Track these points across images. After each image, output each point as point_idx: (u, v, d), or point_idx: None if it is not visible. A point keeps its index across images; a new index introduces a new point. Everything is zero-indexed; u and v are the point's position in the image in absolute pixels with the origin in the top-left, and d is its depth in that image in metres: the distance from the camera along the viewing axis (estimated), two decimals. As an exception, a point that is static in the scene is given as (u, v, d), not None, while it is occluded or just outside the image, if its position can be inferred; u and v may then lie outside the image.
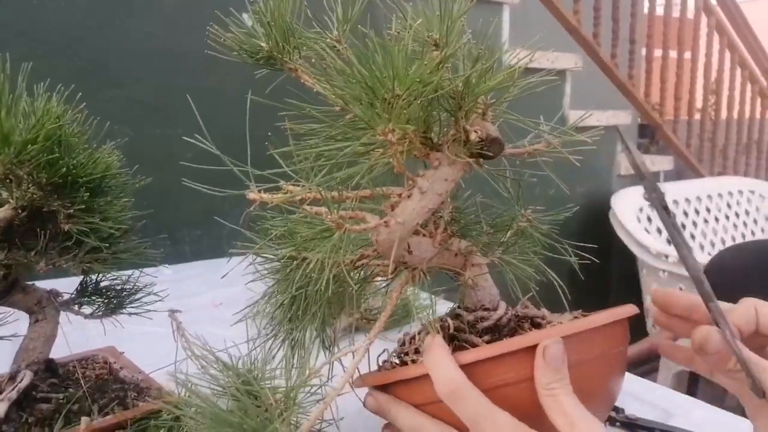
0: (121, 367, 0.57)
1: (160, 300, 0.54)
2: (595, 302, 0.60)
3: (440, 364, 0.40)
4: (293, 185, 0.46)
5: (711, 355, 0.42)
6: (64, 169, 0.41)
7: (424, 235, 0.49)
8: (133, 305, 0.54)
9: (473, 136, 0.43)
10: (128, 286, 0.54)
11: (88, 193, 0.44)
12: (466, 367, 0.41)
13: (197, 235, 1.49)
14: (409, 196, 0.44)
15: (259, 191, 0.46)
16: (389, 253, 0.45)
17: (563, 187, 0.48)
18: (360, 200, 0.46)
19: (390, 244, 0.44)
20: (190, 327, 0.66)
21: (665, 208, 0.43)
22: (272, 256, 0.46)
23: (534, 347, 0.41)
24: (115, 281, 0.53)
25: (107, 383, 0.54)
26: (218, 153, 0.45)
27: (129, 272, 0.58)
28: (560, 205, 0.54)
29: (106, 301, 0.53)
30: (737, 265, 1.10)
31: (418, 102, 0.38)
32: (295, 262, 0.46)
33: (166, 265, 1.30)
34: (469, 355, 0.41)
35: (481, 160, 0.45)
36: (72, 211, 0.43)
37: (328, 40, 0.49)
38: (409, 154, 0.44)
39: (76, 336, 0.62)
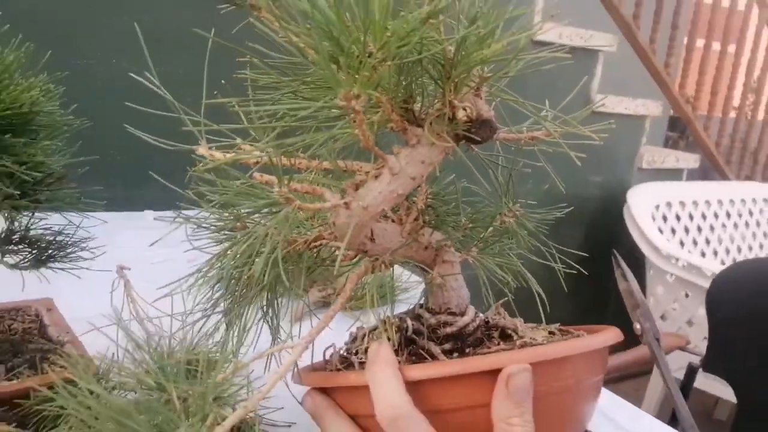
0: (49, 324, 0.52)
1: (92, 258, 0.48)
2: (594, 298, 0.54)
3: (383, 383, 0.34)
4: (250, 145, 0.39)
5: None
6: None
7: (392, 221, 0.42)
8: (65, 260, 0.48)
9: (461, 114, 0.36)
10: (61, 238, 0.48)
11: (2, 133, 0.37)
12: (414, 384, 0.35)
13: (188, 183, 1.44)
14: (376, 177, 0.37)
15: (211, 148, 0.39)
16: (348, 239, 0.39)
17: (560, 183, 0.41)
18: (319, 173, 0.39)
19: (349, 228, 0.38)
20: (159, 281, 0.61)
21: (658, 340, 0.37)
22: (210, 226, 0.39)
23: (496, 371, 0.34)
24: (47, 231, 0.47)
25: (28, 341, 0.49)
26: (171, 99, 0.38)
27: (75, 219, 0.52)
28: (556, 200, 0.47)
29: (35, 251, 0.47)
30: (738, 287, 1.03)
31: (393, 64, 0.31)
32: (239, 234, 0.40)
33: (151, 210, 1.25)
34: (419, 372, 0.35)
35: (467, 143, 0.38)
36: (-22, 150, 0.36)
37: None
38: (381, 126, 0.37)
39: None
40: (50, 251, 0.49)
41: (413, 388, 0.35)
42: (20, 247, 0.48)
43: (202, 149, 0.39)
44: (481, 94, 0.38)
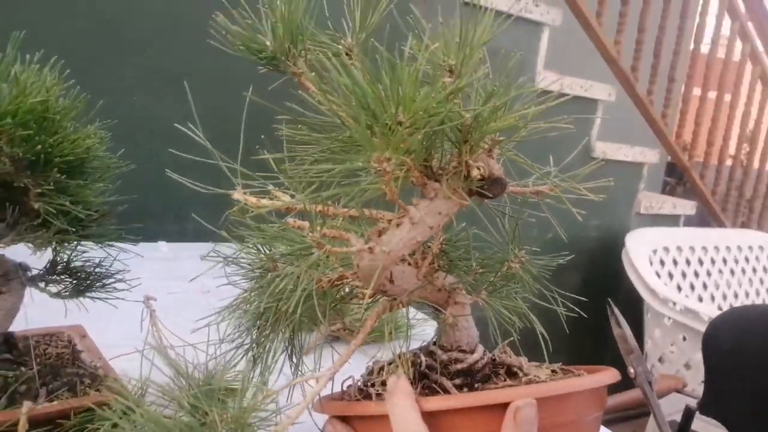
0: (82, 350, 0.55)
1: (128, 289, 0.52)
2: (593, 341, 0.57)
3: (402, 413, 0.38)
4: (282, 192, 0.44)
5: None
6: (39, 146, 0.39)
7: (409, 264, 0.47)
8: (101, 289, 0.52)
9: (475, 173, 0.41)
10: (99, 270, 0.52)
11: (61, 174, 0.42)
12: (428, 415, 0.38)
13: (203, 215, 1.48)
14: (398, 225, 0.42)
15: (245, 193, 0.44)
16: (369, 280, 0.43)
17: (562, 233, 0.46)
18: (346, 219, 0.44)
19: (371, 272, 0.42)
20: (172, 311, 0.64)
21: (650, 383, 0.41)
22: (247, 265, 0.44)
23: (505, 405, 0.38)
24: (88, 263, 0.51)
25: (64, 365, 0.52)
26: (208, 146, 0.42)
27: (112, 252, 0.56)
28: (558, 248, 0.51)
29: (75, 282, 0.51)
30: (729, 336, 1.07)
31: (421, 133, 0.36)
32: (269, 274, 0.44)
33: (165, 242, 1.29)
34: (435, 403, 0.39)
35: (479, 198, 0.43)
36: (41, 190, 0.41)
37: (340, 46, 0.47)
38: (405, 181, 0.42)
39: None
40: (89, 281, 0.53)
41: (428, 418, 0.38)
42: (62, 277, 0.52)
43: (237, 194, 0.44)
44: (493, 155, 0.42)
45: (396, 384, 0.39)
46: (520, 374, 0.46)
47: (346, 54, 0.47)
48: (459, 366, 0.45)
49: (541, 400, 0.38)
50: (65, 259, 0.52)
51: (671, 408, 1.89)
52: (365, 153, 0.35)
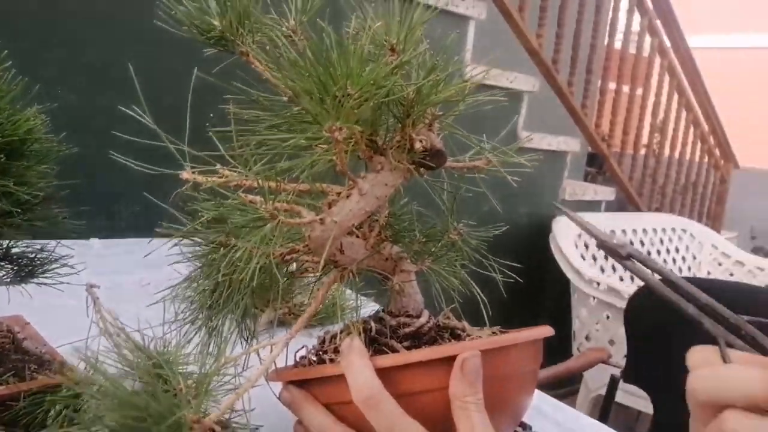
0: (24, 338, 0.54)
1: (75, 273, 0.51)
2: (524, 322, 0.62)
3: (357, 368, 0.40)
4: (230, 170, 0.45)
5: None
6: (-22, 128, 0.39)
7: (357, 236, 0.49)
8: (45, 275, 0.51)
9: (417, 145, 0.44)
10: (42, 255, 0.51)
11: (3, 156, 0.41)
12: (382, 372, 0.41)
13: (135, 210, 1.44)
14: (348, 197, 0.44)
15: (194, 173, 0.45)
16: (321, 251, 0.45)
17: (496, 204, 0.49)
18: (297, 194, 0.45)
19: (323, 242, 0.44)
20: (111, 304, 0.64)
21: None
22: (200, 240, 0.45)
23: (452, 358, 0.41)
24: (28, 249, 0.50)
25: (7, 352, 0.51)
26: (154, 127, 0.43)
27: (51, 242, 0.55)
28: (492, 222, 0.55)
29: (16, 267, 0.50)
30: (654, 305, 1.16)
31: (370, 104, 0.38)
32: (222, 249, 0.45)
33: (97, 239, 1.25)
34: (387, 360, 0.41)
35: (422, 169, 0.46)
36: (-18, 171, 0.40)
37: (283, 28, 0.48)
38: (353, 154, 0.44)
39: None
40: (31, 267, 0.52)
41: (382, 376, 0.41)
42: (3, 263, 0.51)
43: (186, 174, 0.45)
44: (433, 129, 0.45)
45: (350, 344, 0.42)
46: (464, 336, 0.49)
47: (290, 36, 0.49)
48: (407, 330, 0.48)
49: (485, 353, 0.41)
50: (4, 245, 0.51)
51: (598, 382, 2.01)
52: (316, 125, 0.37)
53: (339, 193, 0.44)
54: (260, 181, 0.41)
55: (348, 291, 0.84)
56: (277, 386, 0.47)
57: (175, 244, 0.47)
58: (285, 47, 0.40)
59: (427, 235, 0.52)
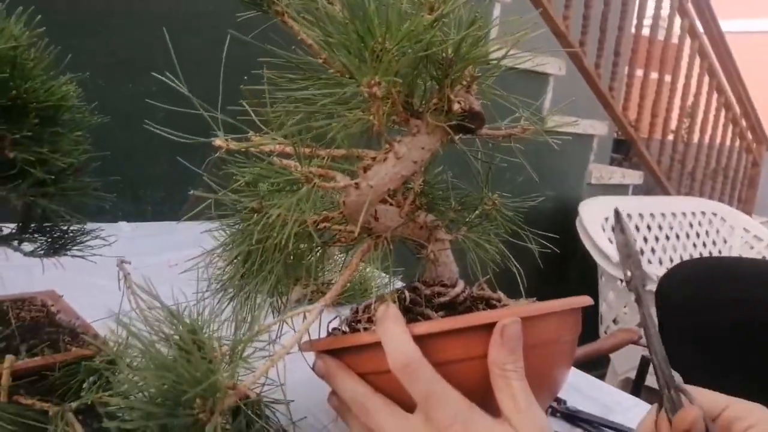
0: (58, 311, 0.54)
1: (107, 244, 0.51)
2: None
3: (394, 335, 0.39)
4: (262, 136, 0.44)
5: None
6: (14, 92, 0.38)
7: (391, 204, 0.48)
8: (78, 248, 0.51)
9: (456, 107, 0.42)
10: (74, 228, 0.51)
11: (37, 121, 0.41)
12: (418, 339, 0.40)
13: (161, 196, 1.45)
14: (383, 160, 0.43)
15: (227, 140, 0.44)
16: (355, 216, 0.44)
17: (533, 174, 0.48)
18: (331, 160, 0.44)
19: (357, 207, 0.43)
20: (143, 283, 0.63)
21: (644, 287, 0.44)
22: (233, 205, 0.44)
23: (491, 325, 0.40)
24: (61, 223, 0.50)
25: (41, 325, 0.51)
26: (188, 94, 0.42)
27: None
28: (527, 193, 0.54)
29: (49, 240, 0.50)
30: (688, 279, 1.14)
31: (408, 57, 0.37)
32: (256, 214, 0.44)
33: (125, 222, 1.26)
34: (424, 327, 0.40)
35: (461, 132, 0.44)
36: (18, 137, 0.40)
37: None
38: (390, 116, 0.43)
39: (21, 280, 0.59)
40: (64, 239, 0.52)
41: (418, 343, 0.40)
42: (36, 235, 0.51)
43: (219, 141, 0.44)
44: (471, 91, 0.44)
45: (386, 311, 0.40)
46: (500, 306, 0.48)
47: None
48: (442, 299, 0.47)
49: (525, 320, 0.40)
50: (39, 216, 0.50)
51: (628, 365, 1.98)
52: (353, 82, 0.36)
53: (374, 158, 0.43)
54: (295, 146, 0.40)
55: (376, 271, 0.84)
56: (311, 357, 0.46)
57: (206, 217, 0.46)
58: (321, 2, 0.39)
59: (462, 203, 0.51)
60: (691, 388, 0.43)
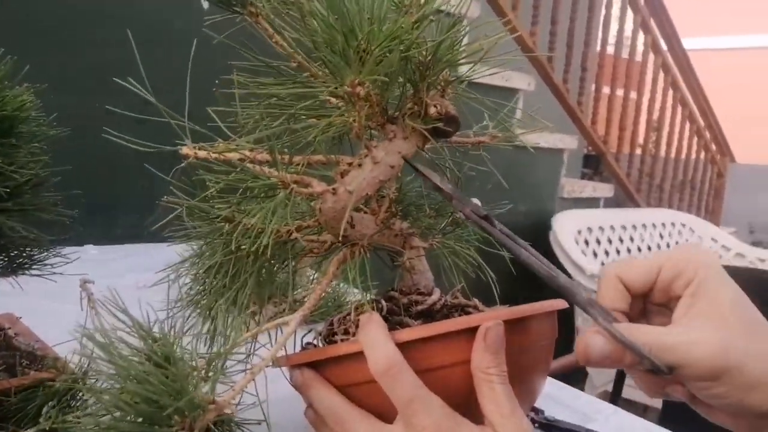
0: (16, 334, 0.51)
1: (69, 262, 0.49)
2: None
3: (376, 340, 0.38)
4: (231, 143, 0.42)
5: (602, 360, 0.39)
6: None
7: (366, 212, 0.47)
8: (36, 267, 0.49)
9: (432, 110, 0.42)
10: (34, 245, 0.48)
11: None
12: (401, 347, 0.38)
13: (135, 218, 1.41)
14: (359, 165, 0.42)
15: (194, 148, 0.42)
16: (332, 224, 0.42)
17: (503, 181, 0.47)
18: (306, 166, 0.43)
19: (334, 214, 0.42)
20: (109, 305, 0.61)
21: (486, 217, 0.43)
22: (203, 215, 0.42)
23: (473, 330, 0.39)
24: (20, 240, 0.48)
25: (-3, 350, 0.48)
26: (154, 101, 0.40)
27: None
28: (497, 201, 0.53)
29: (6, 258, 0.48)
30: None
31: (390, 58, 0.36)
32: (228, 224, 0.43)
33: (92, 245, 1.22)
34: (406, 334, 0.39)
35: (437, 136, 0.43)
36: (-32, 149, 0.38)
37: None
38: (368, 119, 0.42)
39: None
40: (23, 258, 0.49)
41: (400, 351, 0.38)
42: (-5, 253, 0.48)
43: (187, 149, 0.42)
44: (446, 96, 0.43)
45: (369, 317, 0.39)
46: (476, 312, 0.47)
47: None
48: (419, 307, 0.46)
49: (506, 323, 0.39)
50: (-4, 234, 0.48)
51: (603, 379, 1.99)
52: (334, 83, 0.35)
53: (350, 163, 0.42)
54: (271, 150, 0.39)
55: (351, 287, 0.82)
56: (287, 373, 0.44)
57: (176, 223, 0.44)
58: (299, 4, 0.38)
59: (436, 209, 0.50)
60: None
